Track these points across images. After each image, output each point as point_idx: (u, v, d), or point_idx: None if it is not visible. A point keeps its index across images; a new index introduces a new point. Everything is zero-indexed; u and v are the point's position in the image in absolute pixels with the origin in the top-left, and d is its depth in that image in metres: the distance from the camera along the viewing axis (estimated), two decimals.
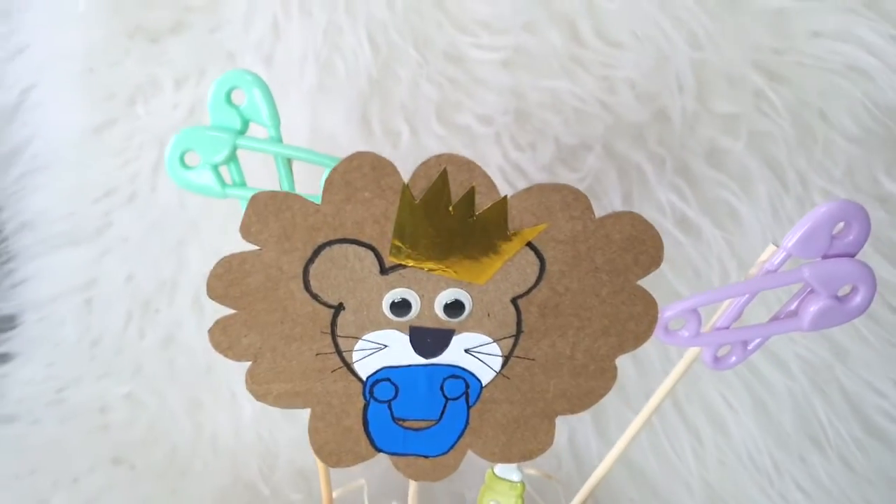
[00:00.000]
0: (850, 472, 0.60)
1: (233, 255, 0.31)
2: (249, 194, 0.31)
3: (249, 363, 0.34)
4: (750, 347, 0.36)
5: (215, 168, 0.37)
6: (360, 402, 0.35)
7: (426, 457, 0.36)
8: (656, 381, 0.47)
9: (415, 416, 0.35)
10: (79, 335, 0.66)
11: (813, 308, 0.34)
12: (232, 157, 0.37)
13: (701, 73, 0.55)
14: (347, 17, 0.57)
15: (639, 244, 0.31)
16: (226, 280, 0.31)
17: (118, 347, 0.66)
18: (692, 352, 0.37)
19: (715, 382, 0.61)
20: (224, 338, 0.33)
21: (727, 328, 0.35)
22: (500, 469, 0.40)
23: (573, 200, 0.30)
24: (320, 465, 0.41)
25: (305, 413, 0.35)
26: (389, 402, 0.35)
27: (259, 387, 0.34)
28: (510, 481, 0.39)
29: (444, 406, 0.35)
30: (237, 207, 0.54)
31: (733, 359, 0.36)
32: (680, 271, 0.58)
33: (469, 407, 0.35)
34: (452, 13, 0.55)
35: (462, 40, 0.55)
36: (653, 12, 0.54)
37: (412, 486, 0.40)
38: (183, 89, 0.61)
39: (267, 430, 0.64)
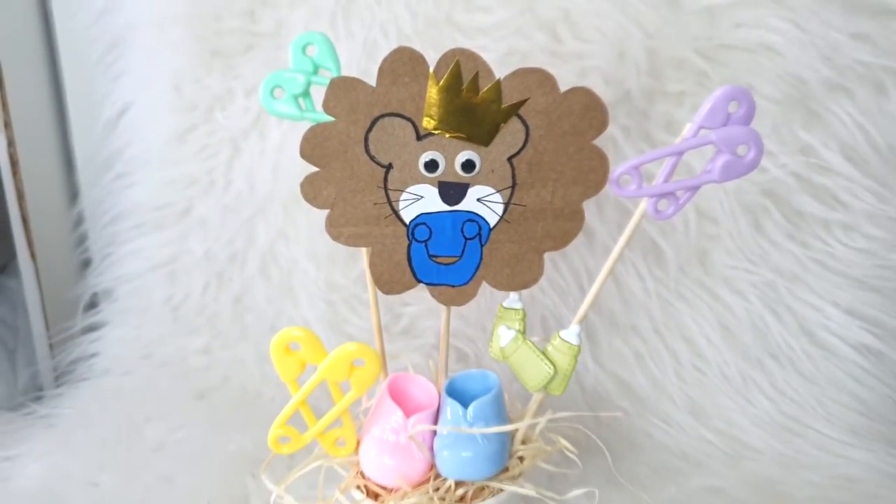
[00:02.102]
0: (801, 377, 0.73)
1: (317, 125, 0.46)
2: (319, 117, 0.46)
3: (326, 217, 0.48)
4: (681, 201, 0.51)
5: (295, 99, 0.53)
6: (405, 243, 0.49)
7: (452, 286, 0.50)
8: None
9: (444, 253, 0.49)
10: (163, 302, 0.80)
11: (720, 163, 0.49)
12: (306, 92, 0.53)
13: (654, 60, 0.71)
14: (381, 35, 0.74)
15: (592, 111, 0.46)
16: (313, 143, 0.46)
17: (196, 311, 0.80)
18: (639, 211, 0.51)
19: (689, 312, 0.74)
20: (310, 190, 0.47)
21: (663, 183, 0.49)
22: (507, 302, 0.53)
23: (545, 80, 0.46)
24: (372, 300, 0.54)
25: None
26: (426, 242, 0.49)
27: (335, 230, 0.49)
28: (514, 309, 0.53)
29: (464, 245, 0.49)
30: (296, 191, 0.71)
31: (671, 209, 0.50)
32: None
33: (482, 246, 0.49)
34: (461, 24, 0.72)
35: (468, 44, 0.72)
36: (614, 13, 0.70)
37: (444, 317, 0.54)
38: (252, 97, 0.77)
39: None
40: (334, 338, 0.76)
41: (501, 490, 0.49)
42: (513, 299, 0.52)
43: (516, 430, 0.51)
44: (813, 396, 0.72)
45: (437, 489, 0.48)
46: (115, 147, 0.81)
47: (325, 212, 0.76)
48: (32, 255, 0.91)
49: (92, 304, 0.86)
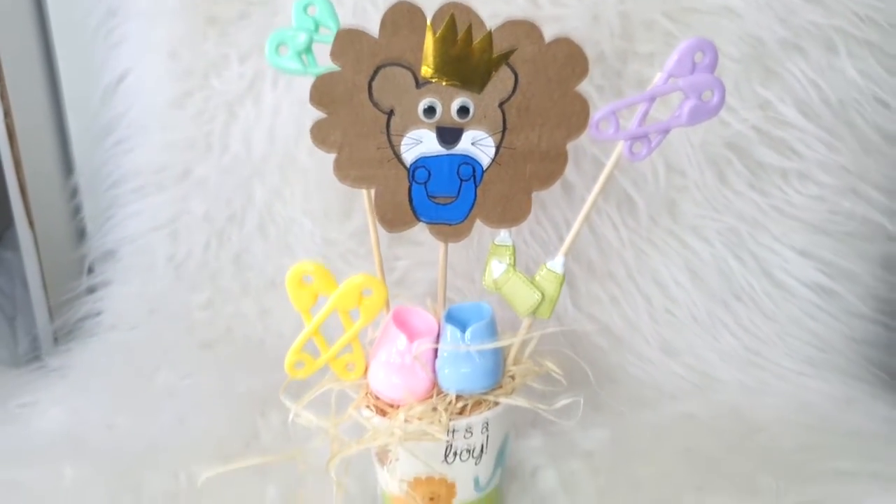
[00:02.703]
0: (763, 315, 0.79)
1: (325, 74, 0.51)
2: (321, 71, 0.51)
3: (333, 161, 0.53)
4: (653, 144, 0.56)
5: (298, 55, 0.57)
6: (406, 184, 0.54)
7: (449, 224, 0.56)
8: None
9: (442, 193, 0.55)
10: (165, 260, 0.85)
11: (687, 108, 0.54)
12: (309, 48, 0.57)
13: (626, 23, 0.76)
14: (370, 3, 0.78)
15: (574, 60, 0.52)
16: (321, 91, 0.51)
17: (198, 268, 0.84)
18: (616, 153, 0.56)
19: (660, 259, 0.80)
20: (319, 134, 0.52)
21: (637, 127, 0.55)
22: (498, 239, 0.58)
23: (532, 30, 0.51)
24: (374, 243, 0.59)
25: None
26: (425, 183, 0.54)
27: (341, 172, 0.54)
28: (505, 245, 0.58)
29: (460, 186, 0.55)
30: (291, 153, 0.75)
31: (644, 151, 0.56)
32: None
33: (476, 186, 0.55)
34: None
35: None
36: None
37: (441, 253, 0.59)
38: (246, 63, 0.82)
39: None
40: None
41: (497, 403, 0.55)
42: (503, 237, 0.58)
43: (508, 352, 0.57)
44: (773, 332, 0.79)
45: (439, 403, 0.53)
46: (114, 113, 0.85)
47: (319, 172, 0.82)
48: (31, 224, 0.94)
49: (92, 269, 0.90)
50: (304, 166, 0.82)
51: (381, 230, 0.56)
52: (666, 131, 0.55)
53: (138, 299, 0.85)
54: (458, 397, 0.54)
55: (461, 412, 0.54)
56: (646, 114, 0.55)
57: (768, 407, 0.74)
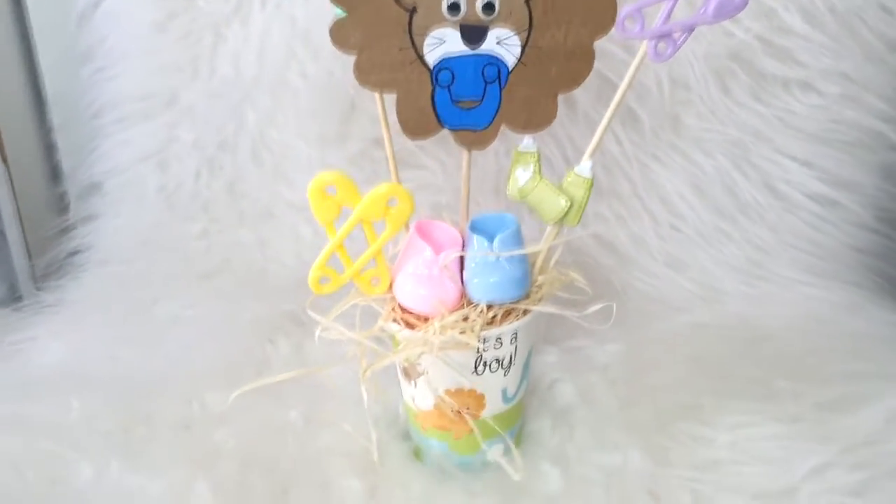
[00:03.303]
0: (767, 227, 0.79)
1: None
2: None
3: (354, 63, 0.51)
4: (678, 42, 0.55)
5: None
6: (429, 88, 0.52)
7: (474, 130, 0.54)
8: None
9: (466, 96, 0.53)
10: (156, 191, 0.82)
11: (713, 3, 0.53)
12: None
13: None
14: None
15: None
16: None
17: (190, 198, 0.82)
18: (640, 54, 0.55)
19: (665, 174, 0.79)
20: (339, 35, 0.50)
21: (662, 24, 0.54)
22: (522, 146, 0.57)
23: None
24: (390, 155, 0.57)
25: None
26: (449, 86, 0.52)
27: (362, 75, 0.51)
28: (530, 153, 0.57)
29: (485, 89, 0.53)
30: (283, 75, 0.72)
31: (669, 50, 0.55)
32: None
33: (501, 89, 0.53)
34: None
35: None
36: None
37: (465, 162, 0.57)
38: None
39: None
40: None
41: (526, 312, 0.54)
42: (528, 143, 0.56)
43: (535, 262, 0.56)
44: (777, 244, 0.79)
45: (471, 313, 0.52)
46: (92, 39, 0.81)
47: (313, 94, 0.79)
48: (3, 159, 0.90)
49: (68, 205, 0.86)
50: (296, 89, 0.79)
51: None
52: (691, 29, 0.54)
53: (129, 232, 0.82)
54: (489, 307, 0.53)
55: (491, 322, 0.53)
56: (670, 12, 0.53)
57: (774, 316, 0.75)
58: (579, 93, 0.76)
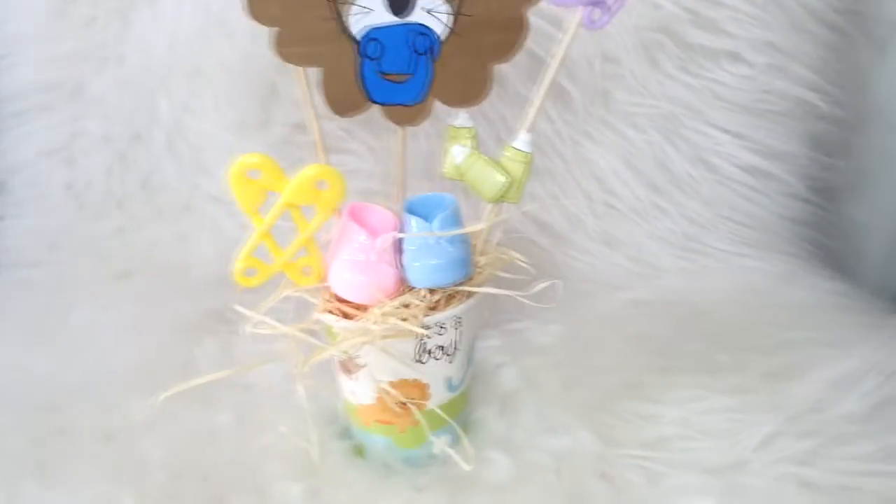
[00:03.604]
0: (701, 201, 0.79)
1: None
2: None
3: (273, 37, 0.47)
4: (613, 9, 0.53)
5: None
6: (356, 61, 0.49)
7: (406, 105, 0.51)
8: None
9: (396, 70, 0.50)
10: (64, 189, 0.76)
11: None
12: None
13: None
14: None
15: None
16: None
17: (103, 196, 0.76)
18: (575, 21, 0.52)
19: (598, 151, 0.78)
20: (257, 7, 0.46)
21: None
22: (458, 121, 0.54)
23: None
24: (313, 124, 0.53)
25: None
26: (378, 59, 0.49)
27: (284, 49, 0.48)
28: (466, 128, 0.54)
29: (416, 61, 0.50)
30: (197, 61, 0.67)
31: (605, 18, 0.53)
32: None
33: (433, 60, 0.50)
34: None
35: None
36: None
37: (399, 139, 0.54)
38: None
39: None
40: None
41: (471, 295, 0.51)
42: (463, 118, 0.54)
43: (474, 244, 0.53)
44: (712, 216, 0.79)
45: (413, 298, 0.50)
46: None
47: (230, 80, 0.75)
48: None
49: None
50: (212, 75, 0.74)
51: None
52: None
53: (36, 233, 0.76)
54: (431, 292, 0.50)
55: (433, 308, 0.51)
56: None
57: (712, 289, 0.75)
58: (509, 71, 0.75)
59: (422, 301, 0.49)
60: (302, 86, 0.51)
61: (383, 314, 0.48)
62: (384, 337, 0.47)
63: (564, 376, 0.63)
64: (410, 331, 0.48)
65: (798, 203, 0.80)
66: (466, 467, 0.49)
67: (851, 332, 0.66)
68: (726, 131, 0.78)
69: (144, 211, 0.77)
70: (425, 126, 0.72)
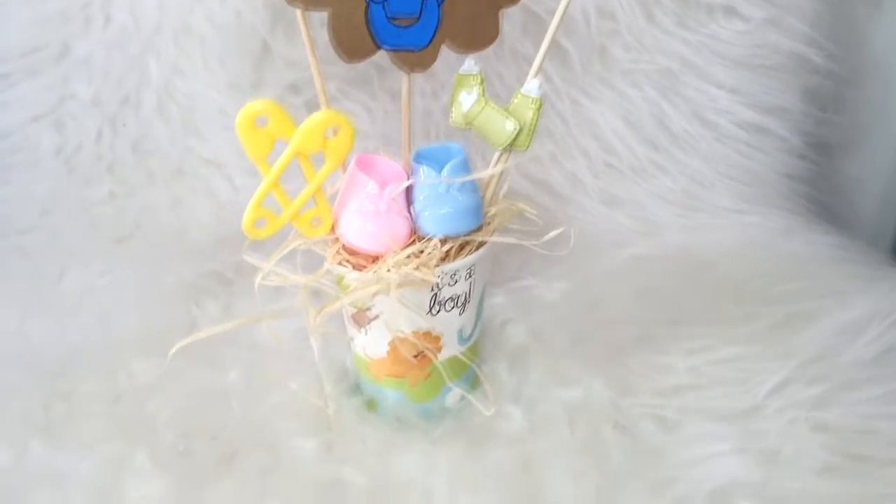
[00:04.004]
0: (698, 157, 0.79)
1: None
2: None
3: None
4: None
5: None
6: (363, 4, 0.48)
7: (413, 50, 0.50)
8: None
9: (402, 13, 0.49)
10: (53, 154, 0.74)
11: None
12: None
13: None
14: None
15: None
16: None
17: (92, 160, 0.74)
18: None
19: (594, 107, 0.78)
20: None
21: None
22: (464, 68, 0.53)
23: None
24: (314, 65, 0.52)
25: None
26: (384, 2, 0.48)
27: None
28: (472, 74, 0.53)
29: (422, 4, 0.49)
30: (186, 20, 0.65)
31: None
32: None
33: (440, 4, 0.49)
34: None
35: None
36: None
37: (404, 86, 0.53)
38: None
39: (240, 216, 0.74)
40: (251, 168, 0.73)
41: (483, 244, 0.51)
42: (469, 65, 0.53)
43: (483, 194, 0.53)
44: (710, 173, 0.79)
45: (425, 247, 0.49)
46: None
47: (221, 39, 0.73)
48: None
49: None
50: (202, 34, 0.73)
51: None
52: None
53: (25, 200, 0.74)
54: (443, 241, 0.49)
55: (444, 258, 0.50)
56: None
57: (713, 244, 0.75)
58: (505, 27, 0.73)
59: (434, 249, 0.48)
60: (303, 30, 0.50)
61: (396, 262, 0.47)
62: (399, 286, 0.46)
63: (572, 331, 0.63)
64: (424, 279, 0.47)
65: (794, 159, 0.80)
66: (487, 412, 0.48)
67: (850, 284, 0.67)
68: (722, 87, 0.78)
69: (136, 175, 0.75)
70: (421, 84, 0.72)
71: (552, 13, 0.49)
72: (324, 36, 0.61)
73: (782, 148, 0.79)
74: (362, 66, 0.70)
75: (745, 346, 0.60)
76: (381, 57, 0.48)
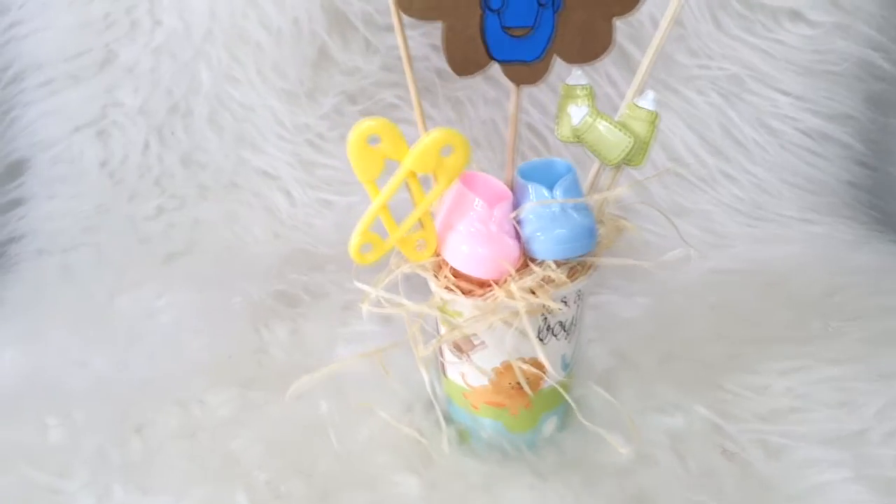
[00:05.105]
0: (763, 166, 0.77)
1: None
2: None
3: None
4: None
5: None
6: (478, 13, 0.45)
7: (525, 62, 0.47)
8: None
9: (518, 24, 0.46)
10: (98, 167, 0.70)
11: None
12: None
13: None
14: None
15: None
16: None
17: (139, 173, 0.70)
18: None
19: (662, 113, 0.75)
20: None
21: None
22: (571, 79, 0.51)
23: None
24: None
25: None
26: (499, 11, 0.45)
27: (406, 1, 0.43)
28: (581, 86, 0.50)
29: (538, 14, 0.46)
30: (239, 24, 0.62)
31: None
32: None
33: (555, 12, 0.46)
34: None
35: None
36: None
37: (513, 100, 0.50)
38: None
39: (303, 232, 0.70)
40: (309, 180, 0.70)
41: (590, 266, 0.48)
42: (577, 75, 0.50)
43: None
44: (776, 183, 0.77)
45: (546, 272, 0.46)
46: None
47: (276, 44, 0.69)
48: None
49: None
50: (256, 39, 0.69)
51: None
52: None
53: (69, 216, 0.70)
54: (559, 265, 0.46)
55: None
56: None
57: (783, 257, 0.73)
58: None
59: (556, 274, 0.45)
60: (402, 48, 0.47)
61: (519, 289, 0.44)
62: (530, 313, 0.43)
63: (658, 350, 0.61)
64: (549, 306, 0.44)
65: (857, 167, 0.78)
66: (622, 450, 0.45)
67: None
68: (787, 93, 0.76)
69: (186, 189, 0.71)
70: (483, 91, 0.69)
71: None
72: (381, 39, 0.58)
73: (846, 155, 0.78)
74: (425, 72, 0.67)
75: (840, 366, 0.58)
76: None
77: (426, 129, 0.50)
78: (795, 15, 0.74)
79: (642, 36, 0.72)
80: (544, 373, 0.50)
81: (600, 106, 0.61)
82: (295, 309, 0.62)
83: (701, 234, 0.74)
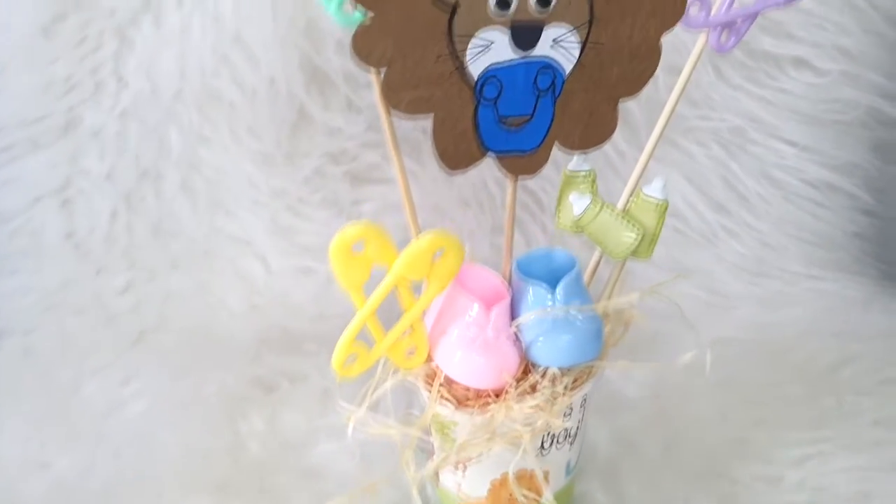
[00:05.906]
0: (766, 219, 0.73)
1: None
2: None
3: (383, 79, 0.39)
4: (742, 31, 0.46)
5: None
6: (471, 105, 0.41)
7: (522, 153, 0.43)
8: None
9: (514, 113, 0.42)
10: (61, 239, 0.65)
11: None
12: None
13: None
14: None
15: None
16: None
17: (106, 244, 0.66)
18: (699, 45, 0.46)
19: (661, 170, 0.71)
20: (364, 45, 0.37)
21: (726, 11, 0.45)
22: (573, 165, 0.47)
23: None
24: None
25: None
26: (495, 100, 0.41)
27: (394, 95, 0.39)
28: (583, 173, 0.47)
29: (537, 101, 0.42)
30: (210, 84, 0.57)
31: (731, 41, 0.46)
32: None
33: (555, 99, 0.42)
34: None
35: None
36: None
37: (510, 192, 0.46)
38: None
39: (281, 304, 0.66)
40: (288, 248, 0.65)
41: (594, 372, 0.44)
42: (578, 161, 0.46)
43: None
44: (780, 237, 0.73)
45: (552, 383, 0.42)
46: None
47: (250, 105, 0.65)
48: None
49: None
50: (230, 99, 0.65)
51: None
52: (754, 16, 0.46)
53: (31, 293, 0.65)
54: (563, 372, 0.43)
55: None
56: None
57: (790, 321, 0.69)
58: None
59: (557, 384, 0.42)
60: (391, 143, 0.43)
61: (521, 405, 0.40)
62: (535, 433, 0.39)
63: (662, 435, 0.57)
64: (553, 423, 0.40)
65: (864, 218, 0.75)
66: None
67: None
68: (791, 143, 0.72)
69: (157, 260, 0.66)
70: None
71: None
72: (363, 97, 0.54)
73: (852, 206, 0.75)
74: (409, 130, 0.63)
75: (858, 453, 0.55)
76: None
77: (417, 225, 0.46)
78: (800, 63, 0.71)
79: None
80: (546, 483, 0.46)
81: (598, 164, 0.57)
82: (273, 394, 0.58)
83: (702, 294, 0.71)
